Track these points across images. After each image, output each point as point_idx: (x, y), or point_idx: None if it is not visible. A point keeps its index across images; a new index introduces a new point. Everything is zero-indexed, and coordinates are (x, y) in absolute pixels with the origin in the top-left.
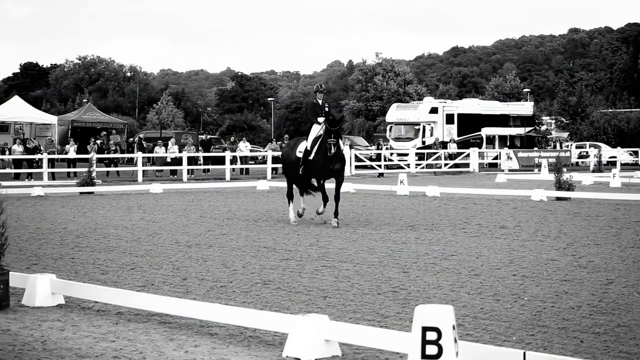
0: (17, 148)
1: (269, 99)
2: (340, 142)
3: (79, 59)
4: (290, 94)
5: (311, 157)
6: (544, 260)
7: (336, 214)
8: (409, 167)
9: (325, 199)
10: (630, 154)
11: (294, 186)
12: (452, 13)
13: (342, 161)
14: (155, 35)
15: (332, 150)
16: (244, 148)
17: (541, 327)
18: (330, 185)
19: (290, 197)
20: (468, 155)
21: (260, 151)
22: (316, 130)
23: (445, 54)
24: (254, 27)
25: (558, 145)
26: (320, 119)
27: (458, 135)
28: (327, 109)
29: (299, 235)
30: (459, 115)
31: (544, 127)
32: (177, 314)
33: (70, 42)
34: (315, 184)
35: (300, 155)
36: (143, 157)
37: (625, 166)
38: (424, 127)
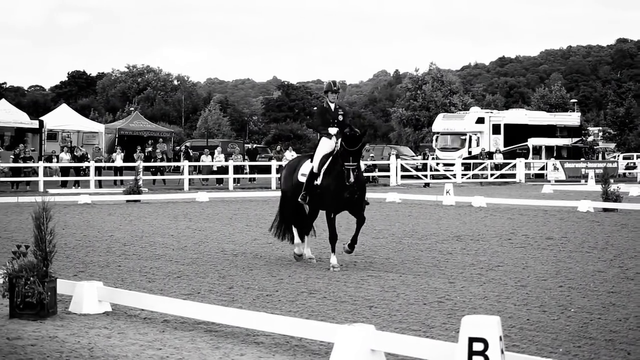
0: (65, 156)
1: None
2: (361, 163)
3: (128, 68)
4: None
5: (318, 182)
6: (590, 272)
7: (350, 249)
8: (454, 177)
9: (333, 239)
10: None
11: (294, 227)
12: (498, 22)
13: (362, 188)
14: (202, 44)
15: (351, 179)
16: (291, 157)
17: (588, 339)
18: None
19: (288, 225)
20: (514, 165)
21: None
22: (326, 145)
23: (491, 64)
24: (300, 35)
25: (600, 156)
26: (332, 130)
27: (504, 146)
28: (341, 116)
29: (345, 245)
30: (506, 125)
31: (590, 138)
32: (223, 322)
33: (118, 52)
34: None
35: (303, 179)
36: (189, 166)
37: None
38: (470, 137)
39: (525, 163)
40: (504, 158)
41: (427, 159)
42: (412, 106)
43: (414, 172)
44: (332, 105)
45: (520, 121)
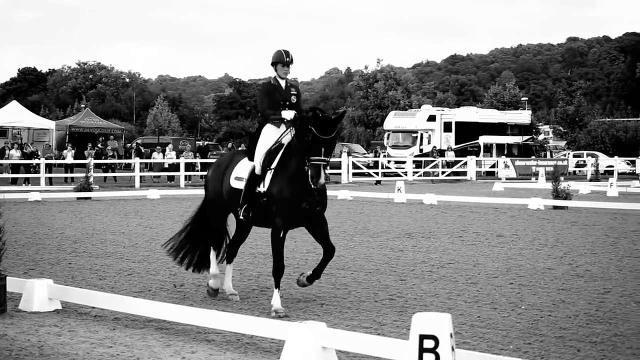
0: (15, 153)
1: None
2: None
3: (79, 65)
4: None
5: (263, 188)
6: (541, 269)
7: (308, 283)
8: (406, 174)
9: (279, 270)
10: (628, 163)
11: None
12: (450, 21)
13: (324, 197)
14: (154, 41)
15: (322, 180)
16: None
17: (538, 336)
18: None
19: (215, 244)
20: (465, 163)
21: None
22: (271, 136)
23: (443, 62)
24: (252, 33)
25: (549, 154)
26: (288, 114)
27: (456, 144)
28: (294, 97)
29: (297, 243)
30: (457, 123)
31: (541, 136)
32: (174, 320)
33: (69, 48)
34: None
35: (238, 185)
36: (140, 163)
37: (623, 175)
38: (421, 135)
39: (477, 161)
40: (456, 156)
41: (379, 156)
42: (364, 105)
43: (365, 170)
44: (283, 83)
45: (471, 119)
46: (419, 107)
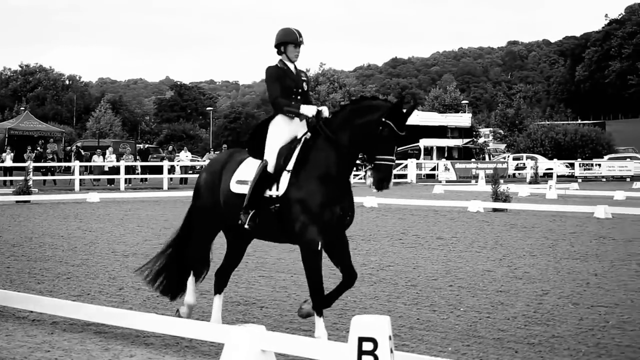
0: None
1: (208, 108)
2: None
3: (21, 67)
4: (230, 103)
5: (277, 191)
6: (480, 271)
7: (320, 304)
8: None
9: (318, 294)
10: (567, 166)
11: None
12: (392, 24)
13: (353, 207)
14: (95, 44)
15: (390, 183)
16: (185, 158)
17: (477, 338)
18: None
19: (196, 265)
20: (406, 166)
21: (198, 161)
22: (285, 128)
23: (384, 65)
24: (193, 36)
25: (488, 156)
26: (309, 110)
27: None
28: (305, 84)
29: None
30: None
31: (481, 139)
32: (113, 324)
33: (11, 51)
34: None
35: (241, 189)
36: (80, 166)
37: (562, 178)
38: None
39: (417, 163)
40: (396, 158)
41: None
42: None
43: None
44: (292, 67)
45: (411, 122)
46: None
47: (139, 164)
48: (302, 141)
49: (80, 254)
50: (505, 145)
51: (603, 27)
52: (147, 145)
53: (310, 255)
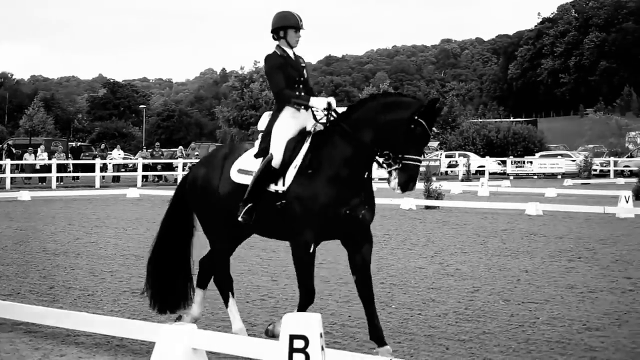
0: None
1: (141, 106)
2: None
3: None
4: (163, 101)
5: (282, 188)
6: (412, 268)
7: (380, 340)
8: None
9: (309, 295)
10: (499, 164)
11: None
12: (326, 22)
13: (372, 202)
14: (27, 40)
15: (415, 185)
16: (117, 156)
17: (408, 335)
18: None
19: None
20: None
21: (131, 159)
22: (291, 120)
23: (318, 63)
24: (127, 33)
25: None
26: (319, 102)
27: None
28: (305, 71)
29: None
30: None
31: None
32: (43, 323)
33: None
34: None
35: (243, 179)
36: (11, 164)
37: (494, 175)
38: None
39: None
40: None
41: None
42: (239, 106)
43: None
44: (291, 53)
45: None
46: None
47: (71, 162)
48: (311, 134)
49: (10, 252)
50: (438, 142)
51: (536, 26)
52: (79, 143)
53: (300, 257)
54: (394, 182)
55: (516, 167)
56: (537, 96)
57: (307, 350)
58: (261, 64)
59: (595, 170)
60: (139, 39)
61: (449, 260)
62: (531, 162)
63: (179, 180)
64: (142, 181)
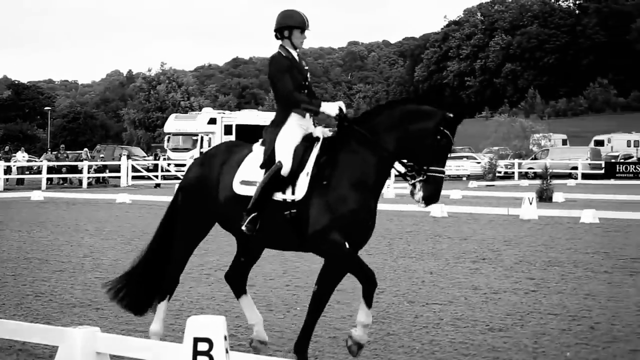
0: None
1: (46, 108)
2: None
3: None
4: (69, 103)
5: (292, 197)
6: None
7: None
8: None
9: (372, 281)
10: None
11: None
12: (234, 24)
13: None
14: None
15: (438, 198)
16: (22, 158)
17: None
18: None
19: (169, 284)
20: None
21: (36, 161)
22: (297, 126)
23: (225, 65)
24: (32, 34)
25: None
26: (331, 108)
27: None
28: (309, 76)
29: (72, 247)
30: (238, 126)
31: None
32: None
33: None
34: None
35: (246, 190)
36: None
37: (400, 177)
38: (202, 137)
39: None
40: None
41: (159, 159)
42: (145, 108)
43: (145, 173)
44: (295, 55)
45: (252, 122)
46: (200, 109)
47: None
48: (319, 140)
49: None
50: None
51: (442, 29)
52: None
53: (342, 256)
54: (419, 194)
55: None
56: (443, 98)
57: (212, 352)
58: (168, 66)
59: (500, 172)
60: (44, 40)
61: None
62: None
63: (84, 183)
64: (47, 184)
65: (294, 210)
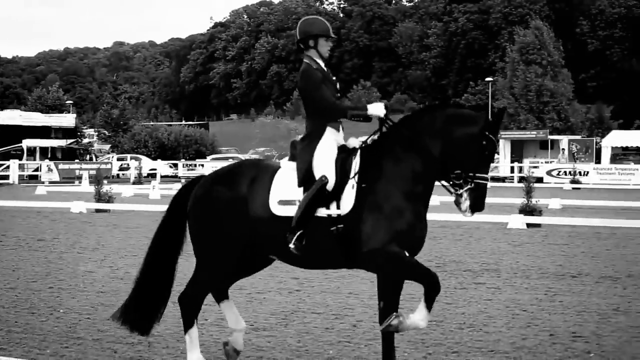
0: None
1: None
2: None
3: None
4: None
5: (337, 211)
6: (81, 273)
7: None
8: None
9: (435, 285)
10: (170, 166)
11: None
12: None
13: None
14: None
15: (484, 206)
16: None
17: (76, 339)
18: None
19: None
20: (8, 167)
21: None
22: (332, 140)
23: None
24: None
25: (93, 157)
26: (377, 109)
27: None
28: (339, 91)
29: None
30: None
31: (86, 139)
32: None
33: None
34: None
35: (286, 210)
36: None
37: (166, 178)
38: None
39: (19, 164)
40: None
41: None
42: None
43: None
44: (322, 64)
45: (14, 122)
46: None
47: None
48: (358, 150)
49: None
50: (110, 145)
51: (208, 30)
52: None
53: (404, 265)
54: (466, 203)
55: (188, 169)
56: (210, 100)
57: None
58: None
59: None
60: None
61: (118, 263)
62: (202, 165)
63: None
64: None
65: (341, 226)
